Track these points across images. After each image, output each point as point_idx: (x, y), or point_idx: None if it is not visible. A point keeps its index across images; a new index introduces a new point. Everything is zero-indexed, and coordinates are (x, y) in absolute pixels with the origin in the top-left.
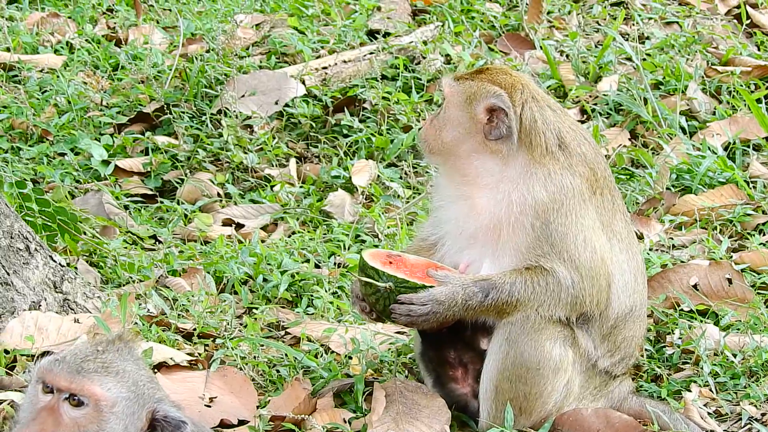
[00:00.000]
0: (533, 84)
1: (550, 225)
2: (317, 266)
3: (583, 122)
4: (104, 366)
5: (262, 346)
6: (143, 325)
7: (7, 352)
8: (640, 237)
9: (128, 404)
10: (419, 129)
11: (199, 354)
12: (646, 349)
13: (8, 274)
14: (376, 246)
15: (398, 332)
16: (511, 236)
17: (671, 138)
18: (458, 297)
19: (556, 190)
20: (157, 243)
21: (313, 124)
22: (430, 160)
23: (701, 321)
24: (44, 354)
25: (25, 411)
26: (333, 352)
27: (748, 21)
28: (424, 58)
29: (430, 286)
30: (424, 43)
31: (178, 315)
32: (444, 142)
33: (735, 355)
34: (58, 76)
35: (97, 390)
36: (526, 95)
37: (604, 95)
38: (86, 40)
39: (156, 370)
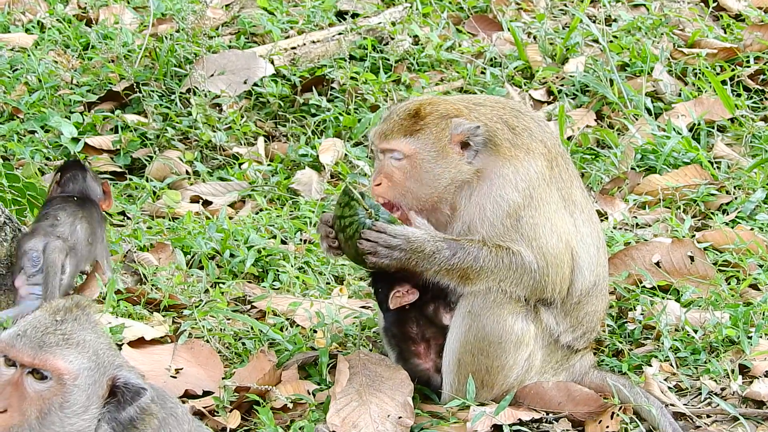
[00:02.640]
0: (451, 97)
1: (522, 220)
2: (284, 242)
3: (549, 103)
4: (65, 338)
5: (229, 319)
6: (113, 299)
7: None
8: (604, 215)
9: (90, 374)
10: (376, 187)
11: (168, 327)
12: (608, 325)
13: None
14: None
15: (363, 306)
16: (479, 231)
17: (637, 119)
18: (427, 245)
19: (526, 186)
20: (125, 219)
21: (282, 104)
22: (390, 209)
23: (663, 297)
24: None
25: None
26: (298, 325)
27: (715, 4)
28: (392, 38)
29: None
30: (393, 23)
31: (147, 291)
32: (422, 195)
33: (696, 331)
34: (28, 55)
35: (60, 364)
36: (465, 110)
37: (571, 76)
38: (57, 20)
39: (125, 343)
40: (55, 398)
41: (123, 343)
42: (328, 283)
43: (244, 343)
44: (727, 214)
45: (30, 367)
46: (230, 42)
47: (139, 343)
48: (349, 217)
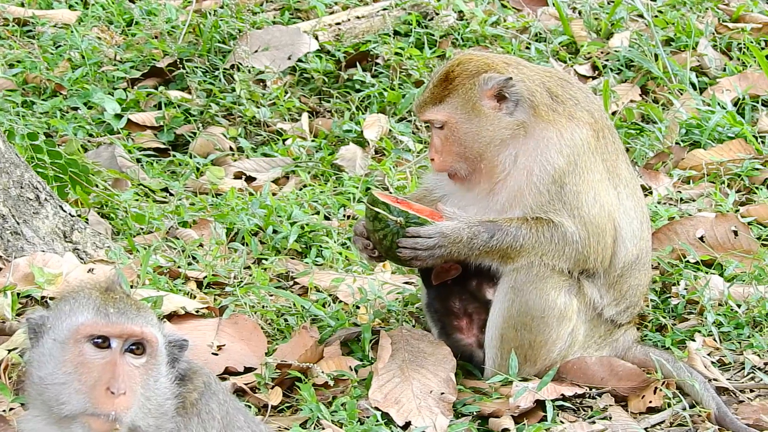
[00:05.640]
0: (491, 53)
1: (565, 186)
2: (327, 218)
3: (594, 78)
4: (141, 311)
5: (271, 295)
6: (154, 275)
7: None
8: (648, 190)
9: (164, 341)
10: (432, 163)
11: (213, 301)
12: (651, 300)
13: (18, 223)
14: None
15: (406, 282)
16: (524, 198)
17: (681, 93)
18: (464, 233)
19: (570, 152)
20: (168, 195)
21: (326, 79)
22: (455, 179)
23: (706, 272)
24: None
25: (67, 373)
26: (341, 301)
27: None
28: (437, 14)
29: None
30: None
31: (188, 263)
32: (470, 156)
33: (739, 306)
34: (72, 31)
35: (155, 334)
36: (501, 64)
37: (616, 51)
38: None
39: (167, 320)
40: (152, 371)
41: (163, 319)
42: None
43: (286, 320)
44: None
45: (138, 338)
46: (274, 18)
47: (181, 318)
48: (382, 230)
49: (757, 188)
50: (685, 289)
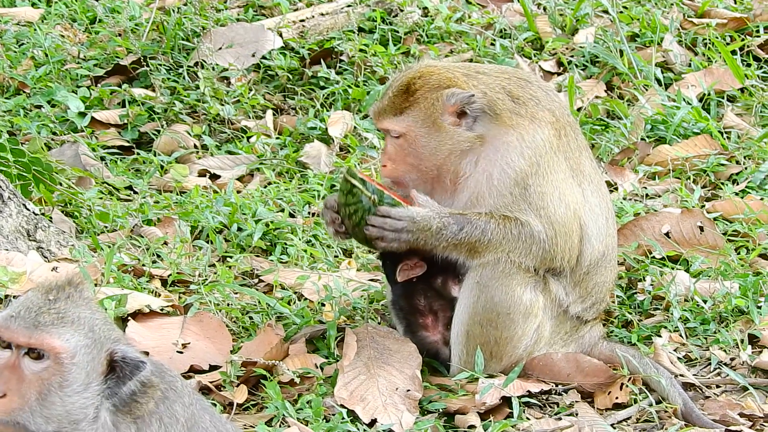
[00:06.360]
0: (451, 64)
1: (529, 188)
2: (291, 215)
3: (559, 74)
4: (60, 316)
5: (236, 293)
6: (118, 273)
7: None
8: (614, 186)
9: (87, 351)
10: (383, 169)
11: (178, 299)
12: (617, 296)
13: None
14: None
15: (371, 279)
16: (485, 200)
17: (647, 89)
18: (433, 222)
19: (532, 153)
20: (133, 194)
21: (290, 76)
22: (402, 187)
23: (672, 268)
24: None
25: None
26: (306, 299)
27: None
28: (401, 10)
29: None
30: None
31: (153, 262)
32: (424, 169)
33: (705, 301)
34: (35, 29)
35: (56, 342)
36: (462, 77)
37: (581, 47)
38: None
39: (131, 318)
40: (54, 378)
41: (128, 317)
42: (336, 256)
43: (251, 317)
44: (737, 184)
45: (26, 347)
46: (238, 15)
47: (146, 317)
48: (353, 205)
49: (722, 184)
50: (651, 285)
